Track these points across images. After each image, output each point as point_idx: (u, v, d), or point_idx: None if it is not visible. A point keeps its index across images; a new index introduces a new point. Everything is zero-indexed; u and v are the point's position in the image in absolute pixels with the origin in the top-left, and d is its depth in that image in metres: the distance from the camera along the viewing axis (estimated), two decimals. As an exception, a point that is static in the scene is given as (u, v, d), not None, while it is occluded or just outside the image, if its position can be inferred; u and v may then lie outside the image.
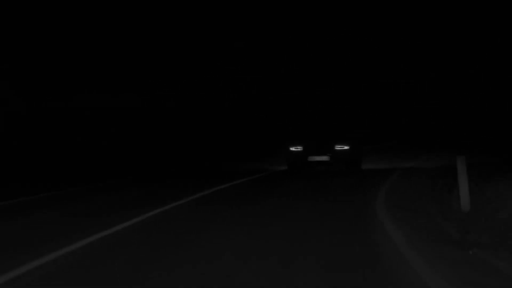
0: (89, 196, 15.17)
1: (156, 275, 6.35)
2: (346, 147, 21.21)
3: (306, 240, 8.14)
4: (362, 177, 18.93)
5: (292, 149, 21.23)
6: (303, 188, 16.10)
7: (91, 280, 6.24)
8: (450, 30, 54.35)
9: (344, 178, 18.57)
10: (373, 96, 57.40)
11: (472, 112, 57.04)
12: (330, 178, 18.51)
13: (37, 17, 28.57)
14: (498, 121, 50.84)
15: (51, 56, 29.34)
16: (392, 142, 46.53)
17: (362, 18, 53.39)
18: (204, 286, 5.89)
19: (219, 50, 41.86)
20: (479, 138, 44.59)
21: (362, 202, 12.15)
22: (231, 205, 12.29)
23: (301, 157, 21.12)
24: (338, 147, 21.13)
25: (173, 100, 37.36)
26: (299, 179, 18.78)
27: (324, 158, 21.22)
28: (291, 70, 47.69)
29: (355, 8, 52.05)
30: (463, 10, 52.04)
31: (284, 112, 42.89)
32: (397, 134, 52.80)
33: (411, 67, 57.81)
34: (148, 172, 23.88)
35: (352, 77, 54.48)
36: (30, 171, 22.24)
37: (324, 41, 51.33)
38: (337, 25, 51.87)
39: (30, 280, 6.33)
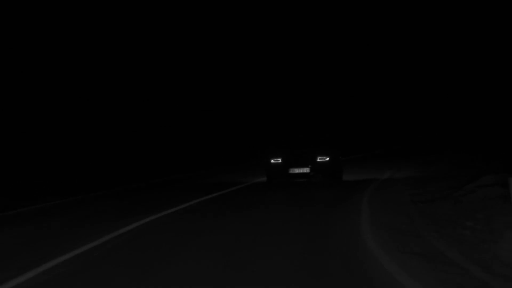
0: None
1: None
2: (327, 159, 20.06)
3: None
4: (344, 191, 17.09)
5: (272, 161, 19.89)
6: (284, 205, 13.93)
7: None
8: (435, 32, 53.46)
9: (324, 192, 17.04)
10: (358, 103, 56.22)
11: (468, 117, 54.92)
12: (311, 192, 16.83)
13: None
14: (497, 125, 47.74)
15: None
16: (378, 151, 45.07)
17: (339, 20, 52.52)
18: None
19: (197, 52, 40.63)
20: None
21: (350, 234, 9.32)
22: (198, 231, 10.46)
23: (281, 169, 19.83)
24: (319, 159, 20.00)
25: (149, 106, 35.96)
26: (279, 193, 17.16)
27: (305, 170, 19.96)
28: (271, 77, 46.56)
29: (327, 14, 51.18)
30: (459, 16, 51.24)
31: (264, 120, 41.64)
32: (384, 142, 51.28)
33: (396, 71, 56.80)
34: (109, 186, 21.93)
35: (335, 84, 53.46)
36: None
37: (305, 45, 50.34)
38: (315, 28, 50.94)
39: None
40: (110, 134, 31.79)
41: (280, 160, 19.97)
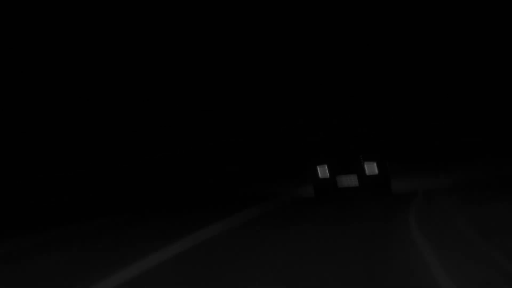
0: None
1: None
2: (375, 170, 19.32)
3: None
4: (395, 203, 15.99)
5: (319, 173, 19.05)
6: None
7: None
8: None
9: (373, 209, 15.50)
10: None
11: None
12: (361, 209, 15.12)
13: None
14: None
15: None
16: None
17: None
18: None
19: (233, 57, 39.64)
20: None
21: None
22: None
23: (329, 182, 18.68)
24: (367, 170, 19.30)
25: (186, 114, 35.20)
26: (327, 208, 16.36)
27: (354, 182, 19.20)
28: (313, 90, 45.35)
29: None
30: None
31: (307, 132, 40.42)
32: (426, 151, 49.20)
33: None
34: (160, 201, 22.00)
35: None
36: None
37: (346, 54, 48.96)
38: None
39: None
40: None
41: (327, 172, 19.10)
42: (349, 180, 18.92)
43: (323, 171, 18.97)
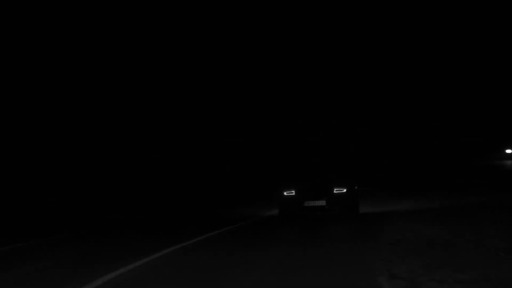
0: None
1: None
2: (343, 190, 18.32)
3: None
4: (363, 225, 15.38)
5: (286, 193, 17.62)
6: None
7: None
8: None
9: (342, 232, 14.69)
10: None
11: None
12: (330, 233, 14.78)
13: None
14: None
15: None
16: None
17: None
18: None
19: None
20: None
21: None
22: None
23: (296, 202, 17.47)
24: (336, 191, 18.41)
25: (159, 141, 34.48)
26: (293, 229, 16.07)
27: (321, 202, 17.63)
28: (278, 107, 44.57)
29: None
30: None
31: (274, 152, 39.81)
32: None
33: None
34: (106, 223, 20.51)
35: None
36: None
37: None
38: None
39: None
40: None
41: (293, 192, 18.28)
42: (317, 203, 18.19)
43: (290, 194, 18.18)
